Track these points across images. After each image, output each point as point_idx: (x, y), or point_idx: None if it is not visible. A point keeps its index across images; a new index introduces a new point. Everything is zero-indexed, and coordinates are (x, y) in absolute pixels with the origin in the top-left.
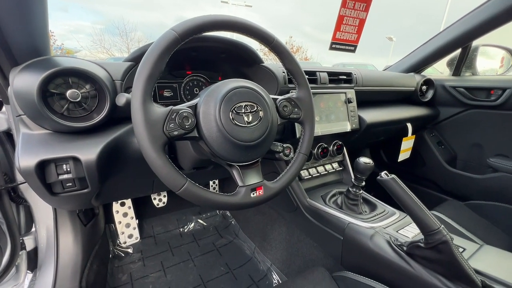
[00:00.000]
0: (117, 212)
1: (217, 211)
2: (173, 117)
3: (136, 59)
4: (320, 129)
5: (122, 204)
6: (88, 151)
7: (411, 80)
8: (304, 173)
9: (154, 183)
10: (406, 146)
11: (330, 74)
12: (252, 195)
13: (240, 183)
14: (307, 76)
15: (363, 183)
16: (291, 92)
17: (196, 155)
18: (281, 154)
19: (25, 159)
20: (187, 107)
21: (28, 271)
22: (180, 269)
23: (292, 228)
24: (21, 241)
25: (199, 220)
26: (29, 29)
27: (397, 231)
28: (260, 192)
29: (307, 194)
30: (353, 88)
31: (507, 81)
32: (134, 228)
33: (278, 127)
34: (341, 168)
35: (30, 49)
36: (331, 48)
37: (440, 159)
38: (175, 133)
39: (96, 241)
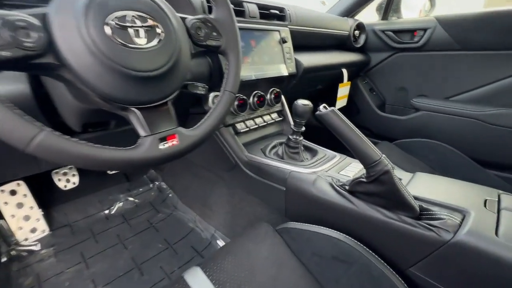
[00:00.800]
0: (6, 203)
1: (150, 183)
2: None
3: None
4: (254, 72)
5: (13, 193)
6: None
7: (345, 24)
8: (240, 126)
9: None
10: (343, 93)
11: (260, 7)
12: (161, 147)
13: (142, 132)
14: (232, 6)
15: (303, 128)
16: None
17: (77, 102)
18: (209, 101)
19: None
20: (29, 14)
21: None
22: (107, 256)
23: (233, 188)
24: None
25: (129, 198)
26: None
27: (338, 173)
28: (174, 142)
29: (245, 148)
30: (287, 27)
31: (428, 21)
32: (38, 220)
33: (198, 61)
34: (281, 118)
35: None
36: None
37: (372, 105)
38: (3, 54)
39: None
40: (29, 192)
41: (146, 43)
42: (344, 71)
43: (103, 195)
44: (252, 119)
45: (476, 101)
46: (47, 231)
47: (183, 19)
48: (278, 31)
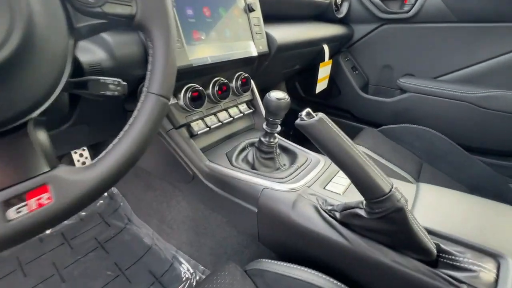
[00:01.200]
0: None
1: None
2: None
3: None
4: (211, 53)
5: None
6: None
7: None
8: (197, 126)
9: None
10: (324, 73)
11: None
12: (11, 217)
13: None
14: None
15: (278, 128)
16: None
17: None
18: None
19: None
20: None
21: None
22: None
23: (194, 202)
24: None
25: None
26: None
27: (324, 187)
28: (44, 202)
29: (205, 154)
30: None
31: None
32: None
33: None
34: (251, 110)
35: None
36: None
37: (354, 85)
38: None
39: None
40: None
41: None
42: (326, 48)
43: None
44: (214, 114)
45: (467, 81)
46: None
47: None
48: None
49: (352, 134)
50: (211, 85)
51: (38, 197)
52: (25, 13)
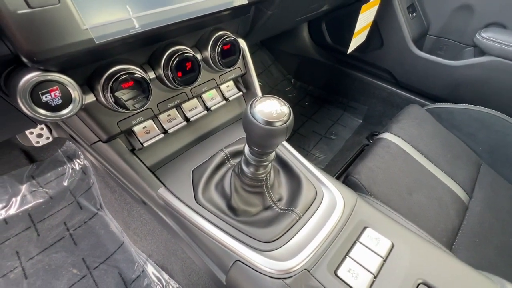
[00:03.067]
0: None
1: (67, 163)
2: None
3: None
4: (141, 11)
5: None
6: None
7: None
8: (144, 134)
9: None
10: (364, 21)
11: None
12: None
13: None
14: None
15: (272, 157)
16: None
17: None
18: None
19: None
20: None
21: None
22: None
23: (157, 220)
24: None
25: (38, 189)
26: None
27: (335, 272)
28: None
29: (159, 172)
30: None
31: None
32: None
33: None
34: (241, 92)
35: None
36: None
37: (405, 34)
38: None
39: None
40: None
41: None
42: None
43: None
44: (177, 107)
45: None
46: None
47: None
48: None
49: (389, 107)
50: (162, 62)
51: None
52: None
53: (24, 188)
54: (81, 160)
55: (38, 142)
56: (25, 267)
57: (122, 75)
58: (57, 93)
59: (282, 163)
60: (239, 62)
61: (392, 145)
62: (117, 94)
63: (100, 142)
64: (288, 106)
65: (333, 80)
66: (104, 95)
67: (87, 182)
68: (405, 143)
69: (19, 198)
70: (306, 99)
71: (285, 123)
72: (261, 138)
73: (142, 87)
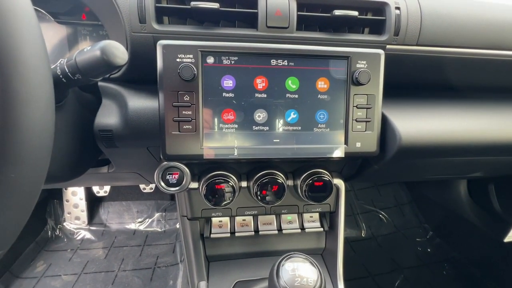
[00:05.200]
0: (66, 189)
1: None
2: None
3: None
4: (244, 144)
5: None
6: None
7: None
8: (216, 226)
9: None
10: None
11: (307, 3)
12: None
13: None
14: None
15: None
16: None
17: None
18: None
19: None
20: None
21: None
22: (95, 281)
23: None
24: None
25: (163, 221)
26: None
27: None
28: None
29: (211, 266)
30: (382, 48)
31: None
32: (83, 211)
33: None
34: (323, 229)
35: None
36: None
37: None
38: None
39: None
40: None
41: None
42: None
43: (143, 206)
44: (254, 216)
45: None
46: (86, 222)
47: None
48: (348, 57)
49: None
50: (253, 178)
51: None
52: None
53: (157, 215)
54: None
55: None
56: (118, 275)
57: (219, 178)
58: (177, 176)
59: None
60: (330, 200)
61: None
62: (211, 190)
63: (186, 217)
64: (322, 279)
65: (500, 264)
66: (201, 187)
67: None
68: None
69: (150, 220)
70: (445, 266)
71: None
72: None
73: (230, 191)
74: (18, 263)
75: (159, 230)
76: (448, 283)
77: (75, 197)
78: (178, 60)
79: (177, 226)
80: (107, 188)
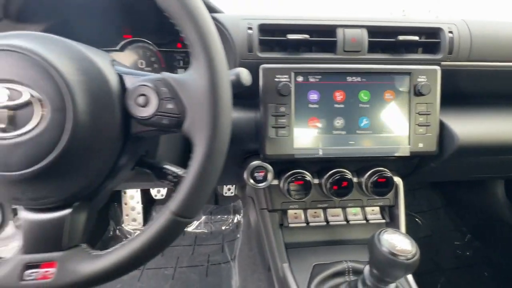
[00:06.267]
0: (125, 193)
1: (231, 215)
2: None
3: None
4: (326, 145)
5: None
6: None
7: None
8: (292, 217)
9: None
10: None
11: (376, 31)
12: (25, 278)
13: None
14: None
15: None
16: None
17: None
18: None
19: None
20: None
21: None
22: (156, 277)
23: None
24: None
25: (208, 222)
26: None
27: None
28: (47, 275)
29: (289, 252)
30: (438, 64)
31: None
32: (139, 213)
33: (135, 144)
34: (385, 221)
35: None
36: None
37: None
38: None
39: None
40: (140, 189)
41: (18, 127)
42: None
43: None
44: (323, 209)
45: None
46: (141, 224)
47: (122, 78)
48: (409, 72)
49: None
50: (325, 176)
51: (47, 269)
52: (77, 131)
53: (203, 218)
54: (240, 217)
55: (226, 193)
56: (176, 271)
57: (297, 176)
58: (263, 174)
59: None
60: (390, 195)
61: None
62: (290, 185)
63: (266, 210)
64: (416, 247)
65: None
66: (282, 183)
67: (235, 234)
68: None
69: (198, 222)
70: (485, 270)
71: (408, 258)
72: (383, 265)
73: (306, 187)
74: None
75: (206, 231)
76: (491, 286)
77: (132, 200)
78: (276, 79)
79: (238, 220)
80: (163, 191)
